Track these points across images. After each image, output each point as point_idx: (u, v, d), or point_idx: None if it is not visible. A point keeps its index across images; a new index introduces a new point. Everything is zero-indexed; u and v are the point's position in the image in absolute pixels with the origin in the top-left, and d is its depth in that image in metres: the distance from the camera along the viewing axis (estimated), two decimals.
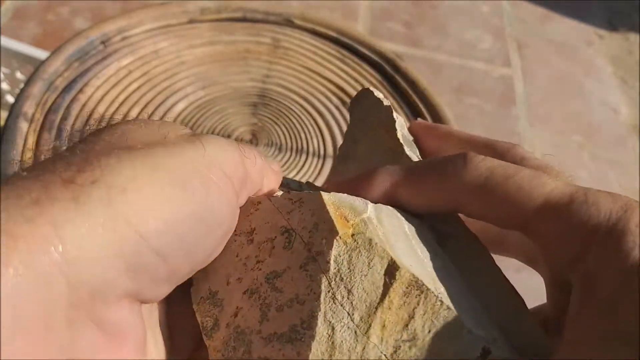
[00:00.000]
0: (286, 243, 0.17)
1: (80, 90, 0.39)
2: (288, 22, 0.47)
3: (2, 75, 0.66)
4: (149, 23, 0.44)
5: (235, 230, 0.18)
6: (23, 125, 0.36)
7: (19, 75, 0.65)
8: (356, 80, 0.44)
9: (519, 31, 0.99)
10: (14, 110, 0.37)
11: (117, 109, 0.38)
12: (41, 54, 0.62)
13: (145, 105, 0.39)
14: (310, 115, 0.41)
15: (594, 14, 1.06)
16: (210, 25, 0.46)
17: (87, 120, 0.37)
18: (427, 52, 0.90)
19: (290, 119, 0.40)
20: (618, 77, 0.96)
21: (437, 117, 0.42)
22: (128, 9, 0.45)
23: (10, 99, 0.69)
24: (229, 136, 0.38)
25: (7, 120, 0.37)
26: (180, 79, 0.41)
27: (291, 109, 0.41)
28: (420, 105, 0.43)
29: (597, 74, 0.96)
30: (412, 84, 0.44)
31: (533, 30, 1.00)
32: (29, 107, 0.37)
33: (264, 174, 0.19)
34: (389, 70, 0.45)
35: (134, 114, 0.38)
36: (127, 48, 0.42)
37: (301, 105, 0.41)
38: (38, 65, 0.40)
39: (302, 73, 0.43)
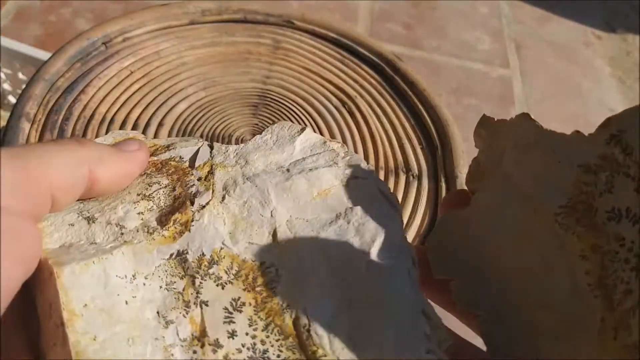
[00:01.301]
0: (61, 341, 0.15)
1: (82, 91, 0.39)
2: (288, 24, 0.47)
3: (3, 76, 0.66)
4: (150, 24, 0.44)
5: (43, 292, 0.16)
6: (25, 126, 0.36)
7: (20, 75, 0.65)
8: (356, 81, 0.44)
9: (518, 32, 0.99)
10: (15, 111, 0.37)
11: (119, 109, 0.39)
12: (43, 54, 0.62)
13: (147, 106, 0.39)
14: (310, 115, 0.41)
15: (592, 15, 1.07)
16: (211, 26, 0.46)
17: (89, 120, 0.38)
18: (426, 53, 0.91)
19: (290, 120, 0.41)
20: (616, 77, 0.97)
21: (436, 117, 0.42)
22: (129, 10, 0.46)
23: (12, 99, 0.69)
24: (230, 136, 0.39)
25: (9, 120, 0.37)
26: (181, 79, 0.41)
27: (291, 109, 0.41)
28: (420, 106, 0.43)
29: (595, 75, 0.96)
30: (412, 84, 0.44)
31: (531, 31, 1.01)
32: (30, 108, 0.37)
33: (93, 163, 0.17)
34: (388, 71, 0.45)
35: (135, 114, 0.39)
36: (129, 49, 0.42)
37: (301, 106, 0.41)
38: (40, 66, 0.40)
39: (302, 74, 0.44)
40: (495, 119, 0.22)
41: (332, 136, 0.40)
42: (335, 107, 0.42)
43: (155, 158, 0.20)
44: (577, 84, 0.93)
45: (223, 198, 0.19)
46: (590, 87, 0.93)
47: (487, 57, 0.92)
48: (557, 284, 0.17)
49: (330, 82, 0.44)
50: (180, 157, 0.20)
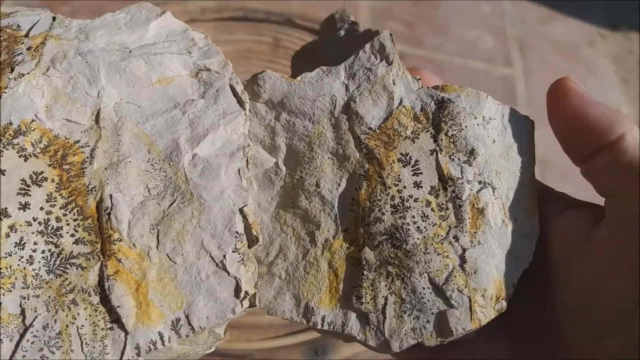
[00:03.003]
0: None
1: None
2: (289, 22, 0.47)
3: None
4: None
5: None
6: None
7: None
8: None
9: (520, 31, 0.99)
10: None
11: None
12: None
13: None
14: None
15: (596, 14, 1.06)
16: (211, 24, 0.45)
17: None
18: (428, 52, 0.90)
19: None
20: (619, 76, 0.96)
21: None
22: None
23: None
24: None
25: None
26: None
27: None
28: None
29: (598, 74, 0.96)
30: None
31: (534, 30, 1.00)
32: None
33: None
34: None
35: None
36: None
37: None
38: None
39: None
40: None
41: None
42: None
43: None
44: (581, 83, 0.93)
45: (47, 69, 0.18)
46: (593, 86, 0.92)
47: (489, 56, 0.92)
48: (328, 182, 0.19)
49: None
50: (18, 25, 0.19)
